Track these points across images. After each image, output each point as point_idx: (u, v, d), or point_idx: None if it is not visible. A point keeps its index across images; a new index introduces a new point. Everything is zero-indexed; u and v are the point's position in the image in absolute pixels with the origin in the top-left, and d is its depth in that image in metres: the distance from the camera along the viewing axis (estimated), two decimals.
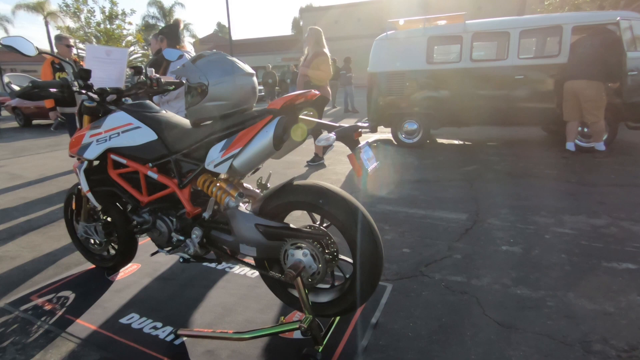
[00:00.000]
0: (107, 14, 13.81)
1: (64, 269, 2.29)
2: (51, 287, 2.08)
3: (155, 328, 1.70)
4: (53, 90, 1.58)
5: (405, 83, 5.34)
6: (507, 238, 2.48)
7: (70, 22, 15.11)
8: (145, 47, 48.34)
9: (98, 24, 14.07)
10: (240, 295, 1.93)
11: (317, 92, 1.50)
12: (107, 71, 1.77)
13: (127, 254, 2.06)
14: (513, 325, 1.62)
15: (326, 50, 4.29)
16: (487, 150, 5.28)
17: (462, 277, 2.03)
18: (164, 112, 1.78)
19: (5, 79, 1.50)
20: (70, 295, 1.99)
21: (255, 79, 1.54)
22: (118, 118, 1.66)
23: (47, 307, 1.90)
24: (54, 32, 21.56)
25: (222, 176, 1.61)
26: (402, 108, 5.48)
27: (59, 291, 2.03)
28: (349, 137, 1.38)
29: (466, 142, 5.94)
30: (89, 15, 14.03)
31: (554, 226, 2.64)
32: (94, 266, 2.27)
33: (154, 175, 1.64)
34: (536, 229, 2.61)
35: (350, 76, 10.99)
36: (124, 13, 14.18)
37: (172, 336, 1.63)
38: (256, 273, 2.14)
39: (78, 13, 14.00)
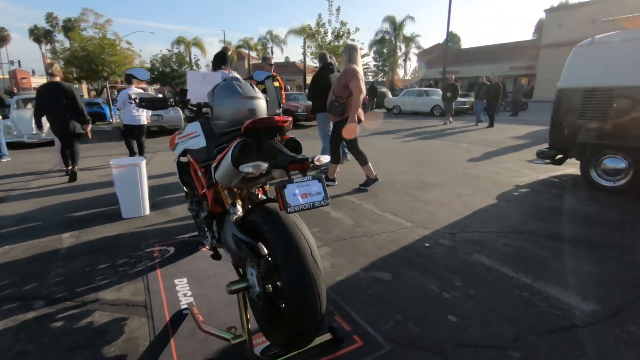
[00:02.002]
0: (335, 34, 16.49)
1: (186, 231, 3.11)
2: (168, 242, 2.89)
3: (184, 295, 2.13)
4: (160, 103, 2.24)
5: (613, 103, 3.85)
6: None
7: (312, 41, 18.92)
8: (377, 59, 53.25)
9: (330, 42, 16.95)
10: None
11: (286, 118, 1.46)
12: (204, 90, 2.29)
13: None
14: None
15: (356, 66, 4.01)
16: None
17: None
18: None
19: (133, 95, 2.25)
20: (172, 252, 2.71)
21: (256, 101, 1.66)
22: (192, 126, 2.15)
23: (156, 254, 2.68)
24: (304, 50, 27.22)
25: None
26: (603, 137, 3.99)
27: (169, 247, 2.81)
28: (284, 168, 1.30)
29: None
30: (324, 35, 17.14)
31: None
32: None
33: (200, 174, 2.04)
34: None
35: None
36: (348, 32, 16.51)
37: (185, 306, 2.01)
38: None
39: (317, 35, 17.37)
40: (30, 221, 3.42)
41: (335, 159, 4.37)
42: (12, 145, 7.56)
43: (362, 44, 19.12)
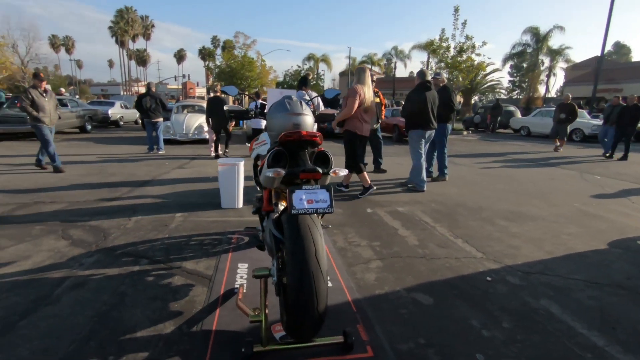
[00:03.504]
0: (458, 48, 15.68)
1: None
2: (246, 232, 3.36)
3: (241, 277, 2.50)
4: (245, 114, 2.66)
5: None
6: None
7: (434, 56, 18.43)
8: (514, 74, 48.06)
9: (452, 57, 16.19)
10: None
11: (313, 133, 1.63)
12: None
13: None
14: None
15: (361, 86, 4.38)
16: None
17: None
18: None
19: (226, 107, 2.74)
20: (245, 240, 3.16)
21: (301, 117, 1.89)
22: (264, 135, 2.51)
23: (233, 240, 3.16)
24: (426, 64, 26.50)
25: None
26: None
27: (245, 236, 3.27)
28: (295, 176, 1.47)
29: None
30: (445, 50, 16.47)
31: None
32: None
33: None
34: None
35: None
36: (473, 46, 15.44)
37: (237, 286, 2.36)
38: None
39: (438, 50, 16.82)
40: (160, 200, 4.40)
41: (358, 170, 4.63)
42: (167, 142, 9.62)
43: (489, 58, 17.48)
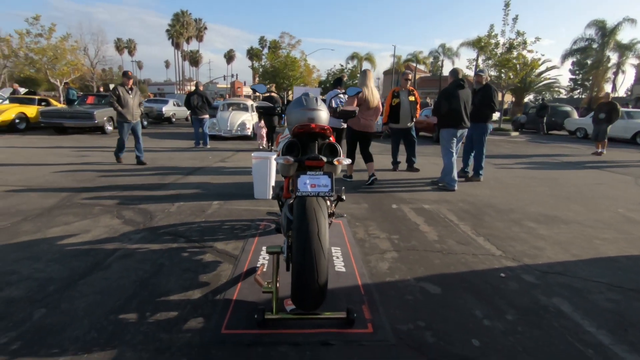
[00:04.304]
0: (507, 45, 14.91)
1: None
2: (272, 220, 3.60)
3: (264, 258, 2.75)
4: (271, 110, 2.89)
5: None
6: None
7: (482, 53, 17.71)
8: (577, 71, 44.55)
9: (502, 54, 15.43)
10: None
11: (322, 126, 1.80)
12: None
13: None
14: None
15: (364, 87, 4.98)
16: None
17: None
18: None
19: (255, 104, 2.99)
20: (272, 227, 3.40)
21: (315, 112, 2.06)
22: (288, 130, 2.73)
23: (261, 227, 3.43)
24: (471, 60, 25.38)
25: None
26: None
27: (272, 223, 3.52)
28: (302, 162, 1.65)
29: None
30: (494, 47, 15.72)
31: None
32: None
33: None
34: None
35: None
36: (524, 42, 14.59)
37: (259, 265, 2.61)
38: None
39: (486, 47, 16.11)
40: (201, 189, 4.81)
41: (351, 158, 5.02)
42: (212, 137, 10.26)
43: (543, 55, 16.19)
